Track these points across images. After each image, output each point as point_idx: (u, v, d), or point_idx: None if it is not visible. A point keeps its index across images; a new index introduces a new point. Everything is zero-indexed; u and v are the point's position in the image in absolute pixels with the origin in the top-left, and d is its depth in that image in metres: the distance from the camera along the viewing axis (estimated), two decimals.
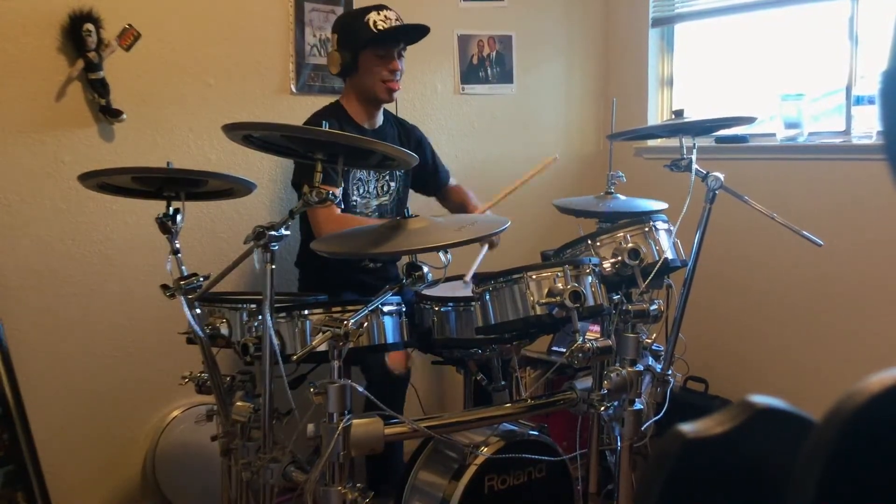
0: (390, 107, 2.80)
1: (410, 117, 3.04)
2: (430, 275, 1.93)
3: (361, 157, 1.98)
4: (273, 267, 1.78)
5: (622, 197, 2.49)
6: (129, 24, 2.57)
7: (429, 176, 2.87)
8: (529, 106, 3.65)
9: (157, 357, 2.73)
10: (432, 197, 2.97)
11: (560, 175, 3.75)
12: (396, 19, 2.56)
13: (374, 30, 2.51)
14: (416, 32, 2.63)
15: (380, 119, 2.74)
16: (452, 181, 2.95)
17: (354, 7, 3.01)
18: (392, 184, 2.74)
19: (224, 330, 2.02)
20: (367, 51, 2.55)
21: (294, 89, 2.98)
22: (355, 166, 2.51)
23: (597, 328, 2.67)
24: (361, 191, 2.66)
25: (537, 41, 3.64)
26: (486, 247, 2.41)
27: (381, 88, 2.59)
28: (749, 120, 2.41)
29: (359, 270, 2.69)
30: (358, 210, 2.64)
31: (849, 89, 3.06)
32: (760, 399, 0.55)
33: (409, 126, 2.89)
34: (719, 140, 3.37)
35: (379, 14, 2.53)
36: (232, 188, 2.06)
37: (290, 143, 1.88)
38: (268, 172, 2.93)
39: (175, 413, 2.77)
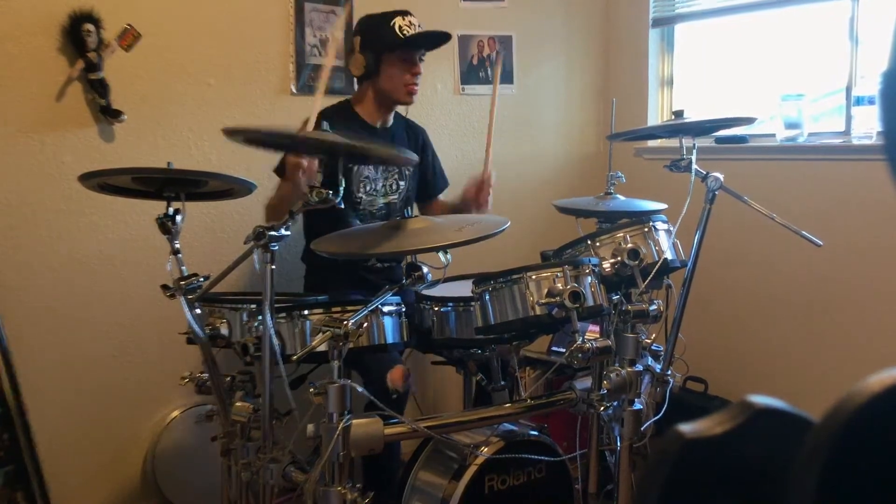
0: (401, 108, 2.80)
1: (410, 118, 3.04)
2: (430, 275, 1.94)
3: (361, 156, 1.99)
4: (273, 267, 1.79)
5: (622, 197, 2.49)
6: (129, 25, 2.57)
7: (427, 180, 2.87)
8: (529, 106, 3.65)
9: (157, 357, 2.73)
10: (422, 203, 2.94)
11: (560, 175, 3.76)
12: (419, 25, 2.58)
13: (401, 35, 2.53)
14: (438, 39, 2.65)
15: (390, 120, 2.75)
16: (443, 197, 2.95)
17: (355, 8, 3.02)
18: (401, 183, 2.74)
19: (224, 330, 2.03)
20: (392, 55, 2.56)
21: (294, 89, 2.98)
22: (357, 164, 2.52)
23: (596, 328, 2.67)
24: (368, 188, 2.66)
25: (537, 41, 3.64)
26: None
27: (403, 91, 2.61)
28: (749, 120, 2.42)
29: (365, 269, 2.69)
30: (363, 207, 2.65)
31: (849, 90, 3.06)
32: (760, 399, 0.55)
33: (417, 128, 2.90)
34: (719, 140, 3.37)
35: (404, 19, 2.55)
36: (232, 188, 2.06)
37: (289, 141, 1.89)
38: (268, 172, 2.92)
39: (175, 413, 2.77)
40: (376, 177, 2.68)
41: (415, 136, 2.85)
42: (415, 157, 1.88)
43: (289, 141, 1.92)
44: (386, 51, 2.55)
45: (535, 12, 3.61)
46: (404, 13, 2.58)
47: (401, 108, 2.78)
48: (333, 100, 2.77)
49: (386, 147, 1.89)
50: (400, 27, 2.54)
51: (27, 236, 2.51)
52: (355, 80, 2.72)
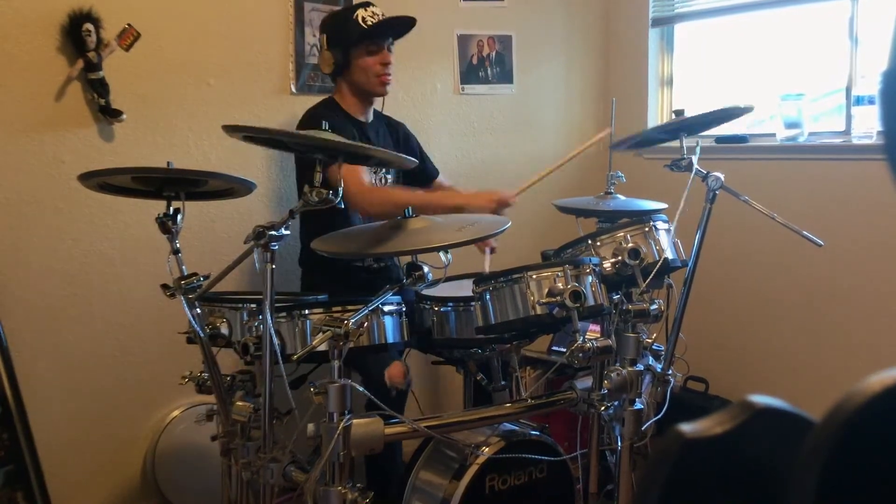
0: (377, 104, 2.79)
1: (410, 117, 3.04)
2: (431, 275, 1.94)
3: (361, 158, 1.99)
4: (273, 267, 1.79)
5: (622, 197, 2.49)
6: (129, 24, 2.57)
7: (417, 170, 2.87)
8: (529, 106, 3.65)
9: (157, 357, 2.73)
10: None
11: (560, 175, 3.74)
12: (382, 14, 2.58)
13: (364, 26, 2.54)
14: (403, 25, 2.65)
15: (371, 114, 2.75)
16: (442, 178, 2.94)
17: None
18: (388, 176, 2.75)
19: (224, 330, 2.03)
20: (359, 47, 2.57)
21: (294, 89, 2.98)
22: (355, 164, 2.51)
23: (597, 328, 2.67)
24: None
25: (537, 41, 3.64)
26: (489, 254, 2.45)
27: (376, 82, 2.62)
28: (746, 110, 2.39)
29: (362, 270, 2.69)
30: None
31: (849, 89, 3.06)
32: (760, 399, 0.55)
33: (396, 122, 2.90)
34: (719, 140, 3.37)
35: (366, 10, 2.57)
36: (232, 188, 2.06)
37: (289, 141, 1.88)
38: (268, 172, 2.93)
39: (175, 413, 2.77)
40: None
41: (395, 130, 2.86)
42: (413, 160, 1.89)
43: (289, 140, 1.92)
44: (352, 44, 2.57)
45: (534, 12, 3.61)
46: (366, 4, 2.59)
47: (377, 103, 2.78)
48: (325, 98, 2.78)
49: (388, 151, 1.90)
50: (363, 18, 2.55)
51: (27, 236, 2.51)
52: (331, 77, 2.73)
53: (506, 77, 3.56)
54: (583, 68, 3.82)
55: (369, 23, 2.54)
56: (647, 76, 3.71)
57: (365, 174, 2.53)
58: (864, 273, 2.96)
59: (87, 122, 2.57)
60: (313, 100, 2.93)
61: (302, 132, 1.86)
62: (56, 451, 2.55)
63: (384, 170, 2.73)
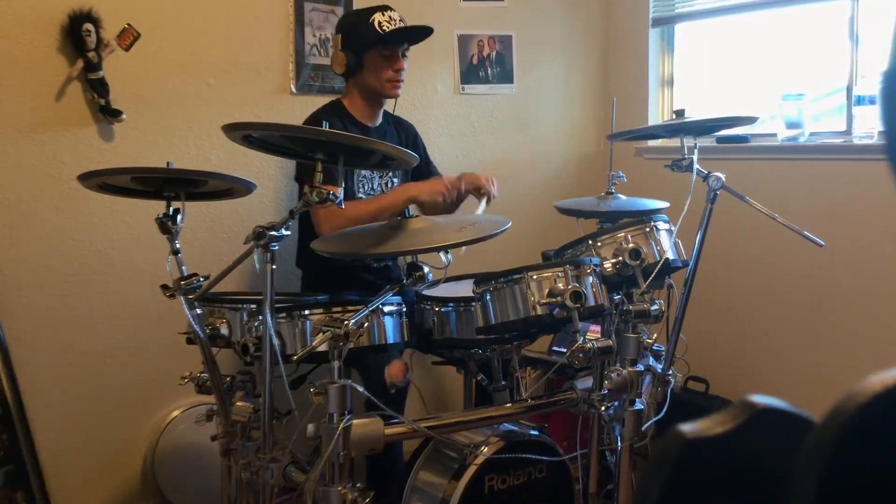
0: (388, 105, 2.80)
1: (410, 117, 3.04)
2: (431, 275, 1.93)
3: (362, 157, 1.98)
4: (273, 267, 1.78)
5: (623, 197, 2.49)
6: (129, 24, 2.57)
7: (420, 173, 2.87)
8: (529, 106, 3.65)
9: (157, 357, 2.73)
10: None
11: (560, 175, 3.75)
12: (400, 20, 2.57)
13: (380, 30, 2.53)
14: (419, 33, 2.65)
15: (380, 117, 2.75)
16: None
17: (354, 7, 3.02)
18: (395, 181, 2.74)
19: (224, 330, 2.03)
20: (373, 51, 2.57)
21: (294, 89, 2.98)
22: (356, 167, 2.51)
23: (597, 328, 2.67)
24: (366, 188, 2.67)
25: (537, 41, 3.64)
26: (484, 200, 2.44)
27: (387, 86, 2.61)
28: (750, 120, 2.41)
29: (362, 269, 2.69)
30: None
31: (849, 89, 3.06)
32: (760, 399, 0.55)
33: (405, 123, 2.90)
34: (720, 140, 3.36)
35: (383, 15, 2.55)
36: (232, 188, 2.06)
37: (290, 143, 1.88)
38: (268, 172, 2.93)
39: (175, 413, 2.77)
40: (372, 176, 2.68)
41: (405, 132, 2.86)
42: (416, 156, 1.88)
43: (288, 139, 1.92)
44: (367, 47, 2.56)
45: (534, 12, 3.61)
46: (384, 8, 2.58)
47: (388, 104, 2.78)
48: (331, 99, 2.78)
49: (390, 145, 1.88)
50: (379, 23, 2.54)
51: (26, 236, 2.51)
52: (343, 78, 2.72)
53: (506, 77, 3.55)
54: (583, 68, 3.82)
55: (385, 28, 2.53)
56: (647, 76, 3.71)
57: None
58: (865, 273, 2.96)
59: (86, 122, 2.57)
60: (313, 100, 2.94)
61: (300, 126, 1.86)
62: (56, 451, 2.55)
63: (389, 173, 2.72)
